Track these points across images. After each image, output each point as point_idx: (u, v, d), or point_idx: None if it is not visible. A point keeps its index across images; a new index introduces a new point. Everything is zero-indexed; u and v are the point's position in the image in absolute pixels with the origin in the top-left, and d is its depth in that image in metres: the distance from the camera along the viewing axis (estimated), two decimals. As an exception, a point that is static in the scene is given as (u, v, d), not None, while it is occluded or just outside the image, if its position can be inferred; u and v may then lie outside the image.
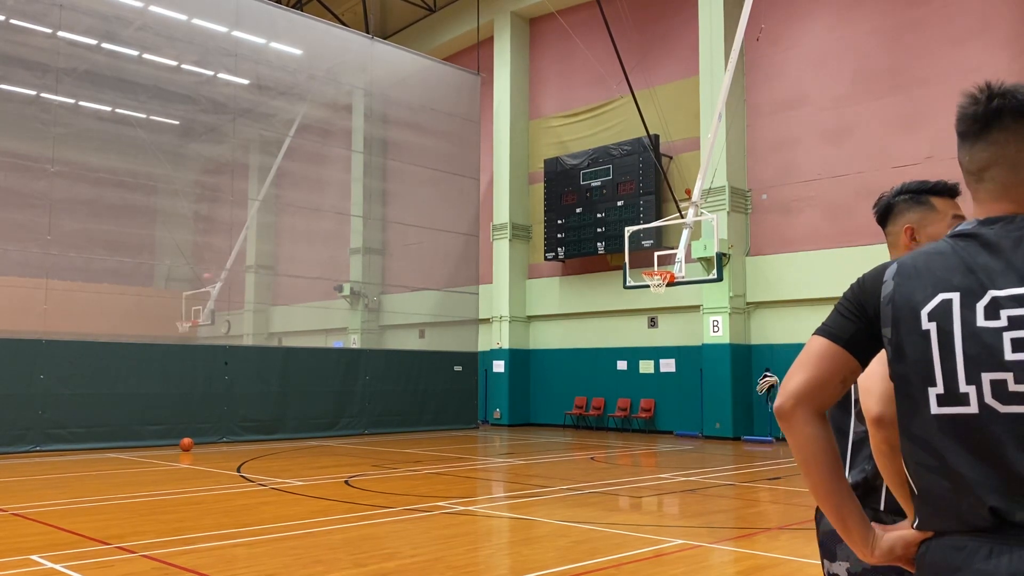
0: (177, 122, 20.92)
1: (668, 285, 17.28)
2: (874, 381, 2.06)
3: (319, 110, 22.86)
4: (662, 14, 21.45)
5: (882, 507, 2.15)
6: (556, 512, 8.95)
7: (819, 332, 1.75)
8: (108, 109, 19.02)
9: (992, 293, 1.53)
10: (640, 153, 20.94)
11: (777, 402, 1.72)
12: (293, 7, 23.92)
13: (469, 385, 22.91)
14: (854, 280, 1.80)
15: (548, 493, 10.50)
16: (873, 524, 2.15)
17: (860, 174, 17.60)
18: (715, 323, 19.10)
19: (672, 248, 18.05)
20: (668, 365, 20.83)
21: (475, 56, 24.67)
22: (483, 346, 23.91)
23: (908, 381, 1.61)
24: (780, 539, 7.62)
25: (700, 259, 18.40)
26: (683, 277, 17.31)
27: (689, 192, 17.85)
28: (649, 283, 17.44)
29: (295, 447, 17.18)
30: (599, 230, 21.72)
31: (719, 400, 19.02)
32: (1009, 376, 1.48)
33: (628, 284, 18.46)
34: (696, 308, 19.79)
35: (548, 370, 23.47)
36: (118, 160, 19.59)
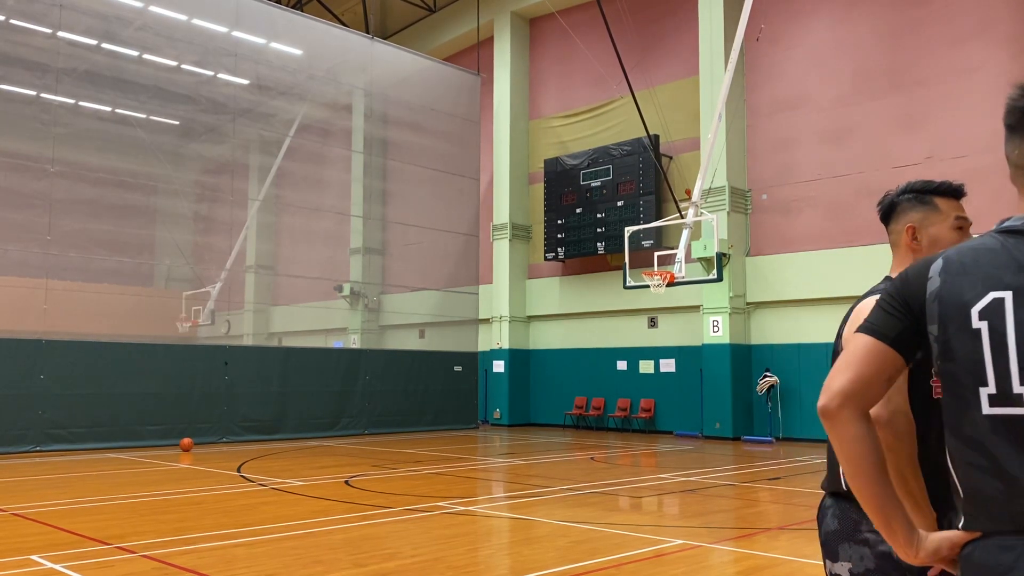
0: (177, 122, 20.91)
1: (668, 285, 17.28)
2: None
3: (319, 110, 22.86)
4: (662, 14, 21.45)
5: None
6: (556, 512, 8.95)
7: (863, 330, 1.71)
8: (108, 109, 19.02)
9: None
10: (640, 153, 20.94)
11: (821, 401, 1.68)
12: (293, 7, 23.92)
13: (469, 385, 22.90)
14: (891, 278, 1.76)
15: (548, 493, 10.50)
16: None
17: (860, 174, 17.60)
18: (715, 323, 19.10)
19: (672, 248, 18.05)
20: (668, 365, 20.83)
21: (475, 56, 24.67)
22: (483, 346, 23.91)
23: (957, 380, 1.59)
24: (780, 539, 7.62)
25: (700, 259, 18.40)
26: (683, 277, 17.31)
27: (689, 192, 17.85)
28: (649, 283, 17.44)
29: (295, 447, 17.18)
30: (599, 230, 21.72)
31: (719, 400, 19.02)
32: None
33: (628, 284, 18.46)
34: (696, 308, 19.79)
35: (548, 370, 23.47)
36: (118, 160, 19.59)
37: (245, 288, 25.13)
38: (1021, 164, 1.70)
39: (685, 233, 17.30)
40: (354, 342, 23.89)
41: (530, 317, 24.04)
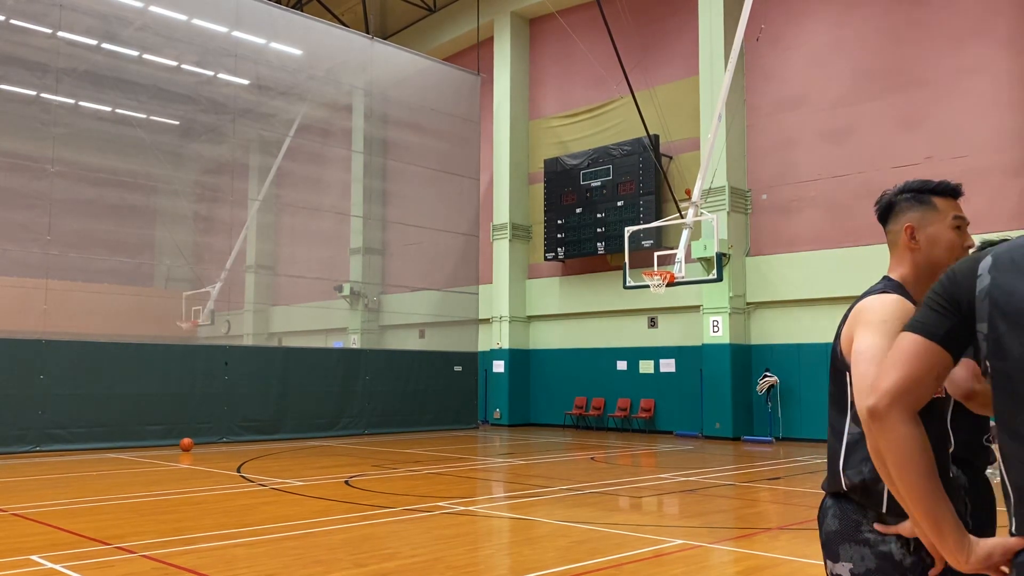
0: (177, 122, 20.92)
1: (668, 285, 17.28)
2: (867, 382, 2.06)
3: (319, 110, 22.86)
4: (662, 14, 21.45)
5: (884, 509, 2.15)
6: (556, 512, 8.95)
7: (910, 328, 1.68)
8: (108, 109, 19.02)
9: None
10: (640, 153, 20.94)
11: (869, 401, 1.65)
12: (293, 7, 23.92)
13: (469, 385, 22.90)
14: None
15: (548, 493, 10.50)
16: (889, 527, 2.12)
17: (860, 174, 17.60)
18: (715, 323, 19.10)
19: (672, 248, 18.06)
20: (668, 365, 20.83)
21: (475, 56, 24.67)
22: (483, 346, 23.91)
23: (1011, 379, 1.54)
24: (780, 539, 7.62)
25: (700, 259, 18.40)
26: (683, 277, 17.31)
27: (689, 192, 17.85)
28: (649, 283, 17.44)
29: (295, 447, 17.18)
30: (599, 230, 21.72)
31: (719, 400, 19.02)
32: None
33: (628, 284, 18.46)
34: (696, 308, 19.79)
35: (548, 370, 23.46)
36: (118, 160, 19.59)
37: (245, 288, 25.13)
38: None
39: (685, 233, 17.30)
40: (354, 342, 23.89)
41: (530, 317, 24.04)
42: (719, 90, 17.88)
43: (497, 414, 23.75)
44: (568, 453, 16.04)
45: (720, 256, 17.93)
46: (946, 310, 1.65)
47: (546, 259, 23.19)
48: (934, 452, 2.17)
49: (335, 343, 24.12)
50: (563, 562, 6.54)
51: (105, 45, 18.27)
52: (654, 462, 14.75)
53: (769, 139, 19.27)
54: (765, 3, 18.56)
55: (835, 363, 2.31)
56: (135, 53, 18.88)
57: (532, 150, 24.42)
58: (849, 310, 2.30)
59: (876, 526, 2.15)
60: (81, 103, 18.39)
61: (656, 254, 18.17)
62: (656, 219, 19.90)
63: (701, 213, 17.48)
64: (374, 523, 8.34)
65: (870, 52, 17.73)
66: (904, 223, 2.35)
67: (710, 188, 18.51)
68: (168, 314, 22.21)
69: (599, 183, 21.93)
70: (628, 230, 18.79)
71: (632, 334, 21.66)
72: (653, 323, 21.31)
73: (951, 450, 2.25)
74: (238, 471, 12.83)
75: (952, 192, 2.36)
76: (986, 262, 1.63)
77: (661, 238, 19.69)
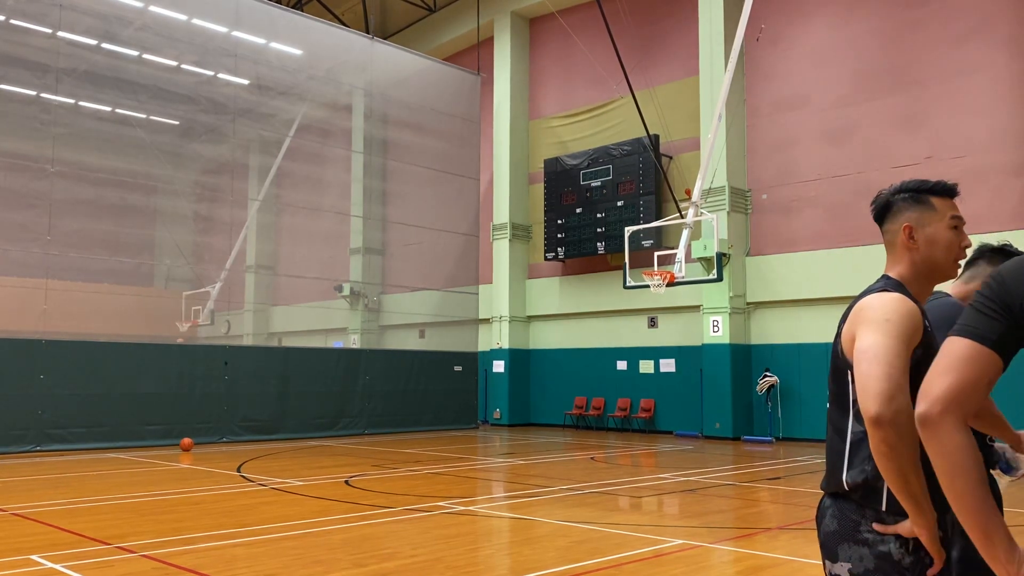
0: (177, 122, 20.92)
1: (668, 285, 17.28)
2: (872, 381, 2.05)
3: (319, 110, 22.86)
4: (662, 14, 21.45)
5: (884, 508, 2.15)
6: (556, 512, 8.95)
7: (961, 333, 1.64)
8: (108, 109, 19.02)
9: None
10: (640, 153, 20.94)
11: (921, 408, 1.61)
12: (293, 7, 23.92)
13: (469, 385, 22.91)
14: (993, 276, 1.67)
15: (548, 493, 10.50)
16: (888, 527, 2.11)
17: (860, 174, 17.60)
18: (715, 323, 19.10)
19: (672, 248, 18.06)
20: (668, 365, 20.83)
21: (475, 56, 24.67)
22: (483, 346, 23.91)
23: None
24: (780, 539, 7.62)
25: (700, 259, 18.40)
26: (683, 277, 17.31)
27: (689, 192, 17.85)
28: (649, 283, 17.44)
29: (295, 447, 17.18)
30: (599, 230, 21.72)
31: (719, 400, 19.02)
32: None
33: (628, 284, 18.46)
34: (696, 308, 19.79)
35: (548, 370, 23.47)
36: (118, 160, 19.59)
37: (245, 288, 25.15)
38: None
39: (685, 233, 17.30)
40: (354, 342, 23.89)
41: (530, 317, 24.04)
42: (719, 90, 17.88)
43: (497, 414, 23.75)
44: (568, 453, 16.04)
45: (720, 256, 17.93)
46: (997, 314, 1.62)
47: (546, 259, 23.19)
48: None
49: (335, 343, 24.12)
50: (563, 562, 6.54)
51: (105, 45, 18.27)
52: (654, 462, 14.75)
53: (769, 139, 19.27)
54: (765, 3, 18.56)
55: (836, 362, 2.30)
56: (135, 53, 18.89)
57: (532, 150, 24.42)
58: (849, 308, 2.30)
59: (875, 526, 2.15)
60: (81, 103, 18.39)
61: (656, 254, 18.17)
62: (656, 219, 19.90)
63: (701, 213, 17.47)
64: (374, 523, 8.34)
65: (870, 52, 17.73)
66: (902, 223, 2.35)
67: (710, 188, 18.51)
68: (168, 314, 22.22)
69: (599, 183, 21.93)
70: (628, 230, 18.79)
71: (632, 334, 21.66)
72: (653, 323, 21.31)
73: None
74: (238, 471, 12.83)
75: (949, 192, 2.37)
76: None
77: (661, 238, 19.69)
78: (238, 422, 18.33)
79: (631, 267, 18.39)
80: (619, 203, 21.39)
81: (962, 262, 2.39)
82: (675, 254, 17.33)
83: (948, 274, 2.37)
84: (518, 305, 23.88)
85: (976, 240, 2.39)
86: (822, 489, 2.33)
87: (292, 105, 22.10)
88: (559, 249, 22.67)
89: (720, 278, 18.00)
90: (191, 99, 19.62)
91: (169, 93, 19.49)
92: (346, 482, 11.41)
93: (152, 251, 22.79)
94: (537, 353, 23.86)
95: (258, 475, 12.28)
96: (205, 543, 7.24)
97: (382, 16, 27.27)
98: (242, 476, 12.22)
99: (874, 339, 2.11)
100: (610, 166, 21.70)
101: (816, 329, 17.85)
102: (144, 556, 6.68)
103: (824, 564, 2.27)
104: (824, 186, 18.23)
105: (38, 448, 15.58)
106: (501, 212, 24.05)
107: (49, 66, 17.09)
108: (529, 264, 24.23)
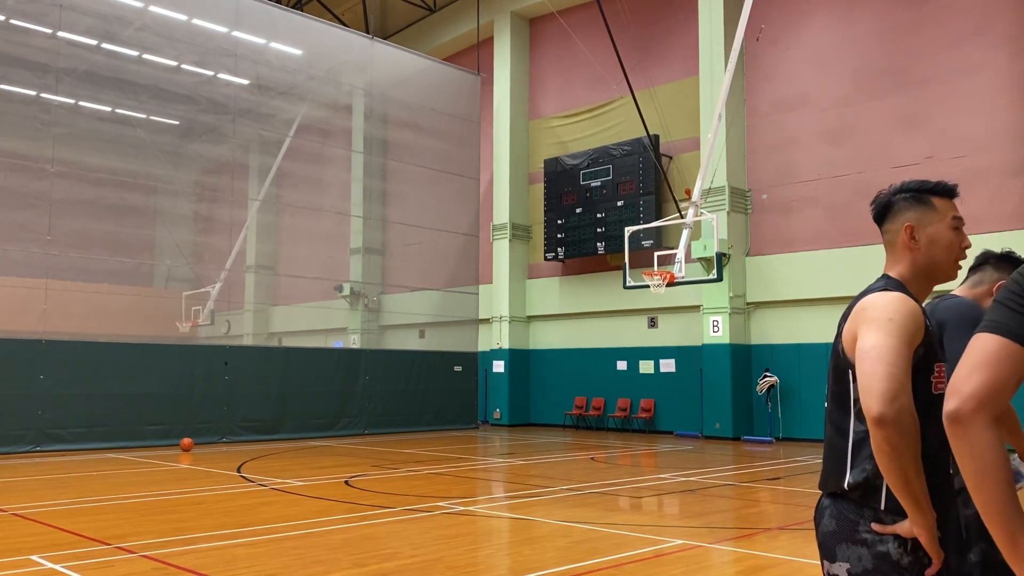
0: (177, 122, 20.92)
1: (668, 285, 17.28)
2: (874, 380, 2.05)
3: (319, 110, 22.87)
4: (662, 14, 21.45)
5: (882, 507, 2.15)
6: (556, 512, 8.95)
7: (990, 330, 1.61)
8: (108, 109, 19.03)
9: None
10: (640, 153, 20.94)
11: (951, 405, 1.57)
12: (293, 7, 23.92)
13: (469, 385, 22.91)
14: (1016, 273, 1.64)
15: (548, 493, 10.50)
16: (887, 527, 2.11)
17: (860, 174, 17.60)
18: (715, 323, 19.10)
19: (672, 248, 18.05)
20: (668, 365, 20.83)
21: (475, 56, 24.67)
22: (483, 346, 23.91)
23: None
24: (780, 539, 7.62)
25: (700, 259, 18.40)
26: (683, 277, 17.30)
27: (689, 192, 17.85)
28: (649, 283, 17.44)
29: (295, 447, 17.18)
30: (599, 230, 21.72)
31: (719, 400, 19.02)
32: None
33: (628, 284, 18.46)
34: (696, 308, 19.79)
35: (548, 370, 23.47)
36: (118, 160, 19.60)
37: (245, 288, 25.15)
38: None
39: (685, 233, 17.30)
40: (354, 342, 23.89)
41: (530, 317, 24.05)
42: (719, 90, 17.88)
43: (497, 414, 23.75)
44: (568, 453, 16.04)
45: (720, 256, 17.93)
46: None
47: (546, 259, 23.19)
48: (935, 452, 2.17)
49: (335, 343, 24.12)
50: (563, 562, 6.54)
51: (105, 45, 18.28)
52: (654, 462, 14.75)
53: (769, 139, 19.27)
54: (765, 3, 18.56)
55: (837, 361, 2.30)
56: (135, 53, 18.89)
57: (532, 150, 24.42)
58: (850, 308, 2.30)
59: (873, 526, 2.15)
60: (81, 103, 18.39)
61: (656, 254, 18.16)
62: (656, 219, 19.90)
63: (701, 213, 17.47)
64: (374, 523, 8.34)
65: (870, 52, 17.73)
66: (903, 223, 2.35)
67: (710, 188, 18.51)
68: (168, 314, 22.22)
69: (599, 183, 21.93)
70: (628, 230, 18.79)
71: (632, 334, 21.66)
72: (653, 323, 21.31)
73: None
74: (238, 471, 12.83)
75: (950, 193, 2.37)
76: None
77: (661, 238, 19.69)
78: (238, 422, 18.33)
79: (631, 267, 18.39)
80: (619, 203, 21.39)
81: (963, 263, 2.40)
82: (675, 254, 17.33)
83: (948, 275, 2.38)
84: (518, 305, 23.89)
85: (976, 240, 2.39)
86: (820, 489, 2.33)
87: (292, 105, 22.11)
88: (559, 249, 22.67)
89: (720, 278, 18.00)
90: (191, 99, 19.63)
91: (169, 93, 19.50)
92: (346, 482, 11.41)
93: (152, 251, 22.80)
94: (537, 353, 23.86)
95: (258, 475, 12.28)
96: (205, 543, 7.24)
97: (382, 16, 27.28)
98: (242, 476, 12.22)
99: (877, 338, 2.11)
100: (610, 166, 21.71)
101: (816, 329, 17.85)
102: (144, 556, 6.68)
103: (822, 564, 2.27)
104: (824, 186, 18.23)
105: (38, 448, 15.58)
106: (501, 212, 24.06)
107: (49, 66, 17.09)
108: (529, 264, 24.24)
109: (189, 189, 22.21)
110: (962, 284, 3.23)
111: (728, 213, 18.94)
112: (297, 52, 21.43)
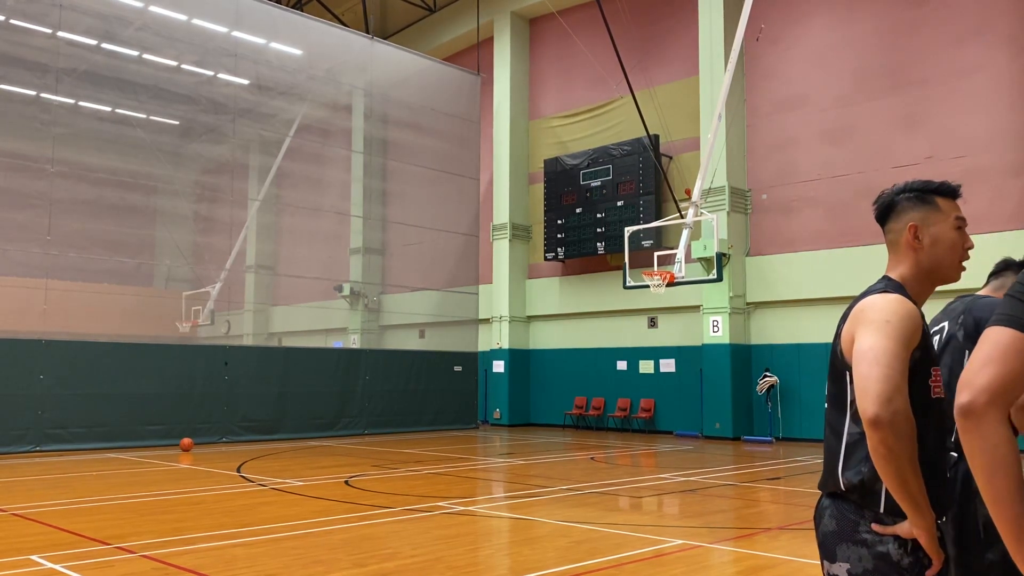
0: (177, 122, 20.92)
1: (668, 285, 17.27)
2: (870, 382, 2.05)
3: (319, 110, 22.86)
4: (662, 14, 21.45)
5: (882, 509, 2.15)
6: (556, 512, 8.95)
7: (1003, 323, 1.58)
8: (108, 109, 19.02)
9: None
10: (640, 153, 20.94)
11: (964, 398, 1.55)
12: (293, 7, 23.92)
13: (469, 385, 22.90)
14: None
15: (548, 493, 10.50)
16: (887, 527, 2.11)
17: (860, 174, 17.60)
18: (715, 323, 19.10)
19: (672, 248, 18.05)
20: (668, 365, 20.83)
21: (475, 56, 24.67)
22: (483, 346, 23.91)
23: None
24: (780, 539, 7.62)
25: (700, 259, 18.39)
26: (683, 277, 17.30)
27: (689, 192, 17.84)
28: (649, 283, 17.43)
29: (295, 447, 17.18)
30: (599, 230, 21.72)
31: (719, 400, 19.02)
32: None
33: (628, 284, 18.46)
34: (696, 308, 19.79)
35: (548, 370, 23.46)
36: (118, 160, 19.60)
37: (245, 288, 25.15)
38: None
39: (685, 233, 17.29)
40: (354, 342, 23.89)
41: (530, 317, 24.04)
42: (719, 90, 17.87)
43: (497, 414, 23.75)
44: (568, 453, 16.04)
45: (720, 256, 17.92)
46: None
47: (546, 259, 23.19)
48: (934, 451, 2.17)
49: (335, 343, 24.12)
50: (563, 562, 6.54)
51: (105, 45, 18.28)
52: (654, 462, 14.75)
53: (769, 139, 19.27)
54: (765, 3, 18.56)
55: (835, 363, 2.30)
56: (135, 53, 18.89)
57: (532, 150, 24.42)
58: (849, 309, 2.30)
59: (874, 526, 2.15)
60: (81, 103, 18.39)
61: (656, 254, 18.16)
62: (656, 219, 19.90)
63: (701, 213, 17.47)
64: (374, 523, 8.34)
65: (870, 52, 17.73)
66: (907, 222, 2.35)
67: (710, 188, 18.50)
68: (168, 314, 22.21)
69: (599, 183, 21.93)
70: (628, 230, 18.79)
71: (632, 334, 21.66)
72: (653, 323, 21.31)
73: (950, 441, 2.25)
74: (238, 471, 12.83)
75: (953, 193, 2.37)
76: None
77: (661, 238, 19.68)
78: (238, 422, 18.33)
79: (631, 267, 18.39)
80: (619, 203, 21.39)
81: (966, 263, 2.39)
82: (675, 254, 17.33)
83: (951, 276, 2.37)
84: (518, 305, 23.89)
85: (976, 240, 2.38)
86: (819, 489, 2.33)
87: (292, 105, 22.10)
88: (559, 249, 22.67)
89: (720, 278, 18.00)
90: (191, 99, 19.63)
91: (169, 93, 19.49)
92: (346, 482, 11.41)
93: (152, 251, 22.80)
94: (537, 353, 23.86)
95: (258, 475, 12.28)
96: (205, 543, 7.24)
97: (382, 16, 27.28)
98: (242, 476, 12.22)
99: (874, 340, 2.11)
100: (610, 166, 21.70)
101: (816, 329, 17.84)
102: (144, 556, 6.68)
103: (822, 564, 2.27)
104: (824, 186, 18.23)
105: (38, 448, 15.58)
106: (501, 212, 24.06)
107: (49, 66, 17.09)
108: (529, 264, 24.24)
109: (189, 189, 22.21)
110: (983, 288, 3.24)
111: (728, 213, 18.94)
112: (297, 52, 21.43)
